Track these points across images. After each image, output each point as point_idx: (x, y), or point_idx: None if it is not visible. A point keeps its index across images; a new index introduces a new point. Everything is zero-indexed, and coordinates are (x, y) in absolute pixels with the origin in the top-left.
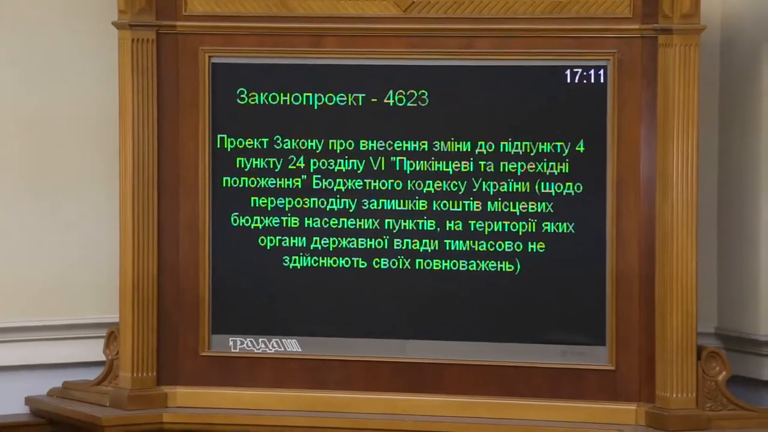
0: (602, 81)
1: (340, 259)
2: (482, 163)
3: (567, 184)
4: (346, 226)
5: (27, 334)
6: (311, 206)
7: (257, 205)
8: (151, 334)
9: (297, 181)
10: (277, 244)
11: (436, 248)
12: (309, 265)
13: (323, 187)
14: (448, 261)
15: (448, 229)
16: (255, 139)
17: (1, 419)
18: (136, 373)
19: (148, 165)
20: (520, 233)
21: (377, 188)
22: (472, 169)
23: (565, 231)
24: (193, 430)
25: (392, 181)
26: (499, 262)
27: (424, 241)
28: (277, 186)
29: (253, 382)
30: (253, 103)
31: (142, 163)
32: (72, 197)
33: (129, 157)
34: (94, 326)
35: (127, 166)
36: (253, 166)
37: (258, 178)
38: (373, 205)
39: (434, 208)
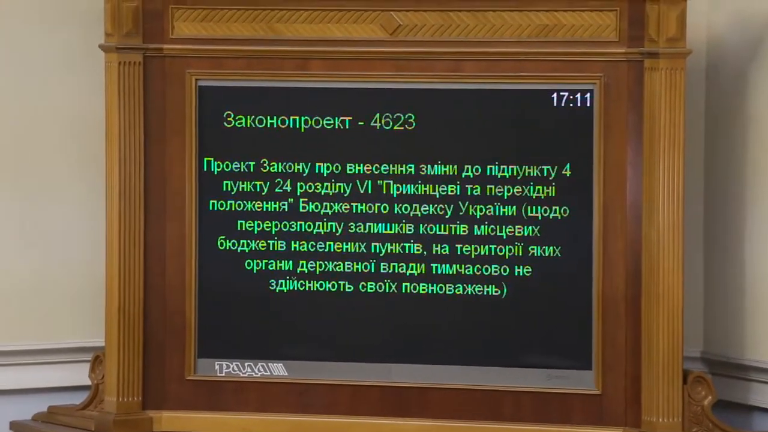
0: (588, 104)
1: (327, 282)
2: (469, 186)
3: (554, 207)
4: (332, 250)
5: (11, 359)
6: (298, 230)
7: (244, 229)
8: (137, 358)
9: (283, 205)
10: (264, 268)
11: (423, 272)
12: (295, 288)
13: (310, 210)
14: (435, 285)
15: (434, 252)
16: (242, 163)
17: None
18: (122, 398)
19: (134, 188)
20: (507, 257)
21: (364, 212)
22: (458, 193)
23: (551, 255)
24: None
25: (379, 204)
26: (485, 285)
27: (410, 264)
28: (264, 209)
29: (239, 406)
30: (239, 126)
31: (129, 186)
32: (55, 218)
33: (115, 180)
34: (80, 350)
35: (114, 189)
36: (240, 190)
37: (244, 202)
38: (359, 229)
39: (421, 232)
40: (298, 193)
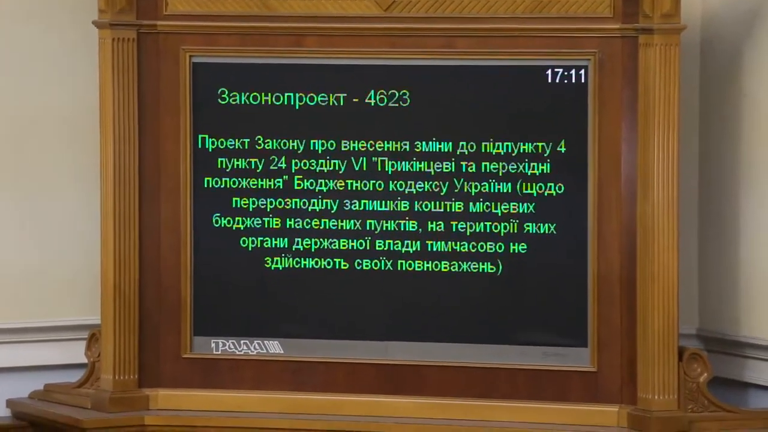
0: (583, 81)
1: (322, 260)
2: (464, 163)
3: (548, 184)
4: (327, 227)
5: (7, 337)
6: (293, 207)
7: (239, 206)
8: (133, 336)
9: (278, 182)
10: (259, 245)
11: (418, 249)
12: (291, 266)
13: (305, 187)
14: (430, 262)
15: (429, 229)
16: (236, 140)
17: None
18: (118, 376)
19: (129, 166)
20: (502, 234)
21: (359, 189)
22: (453, 170)
23: (546, 232)
24: None
25: (374, 181)
26: (481, 263)
27: (405, 242)
28: (259, 186)
29: (235, 384)
30: (234, 103)
31: (123, 164)
32: (50, 197)
33: (110, 157)
34: (76, 328)
35: (108, 166)
36: (235, 167)
37: (239, 179)
38: (354, 206)
39: (416, 209)
40: (293, 170)
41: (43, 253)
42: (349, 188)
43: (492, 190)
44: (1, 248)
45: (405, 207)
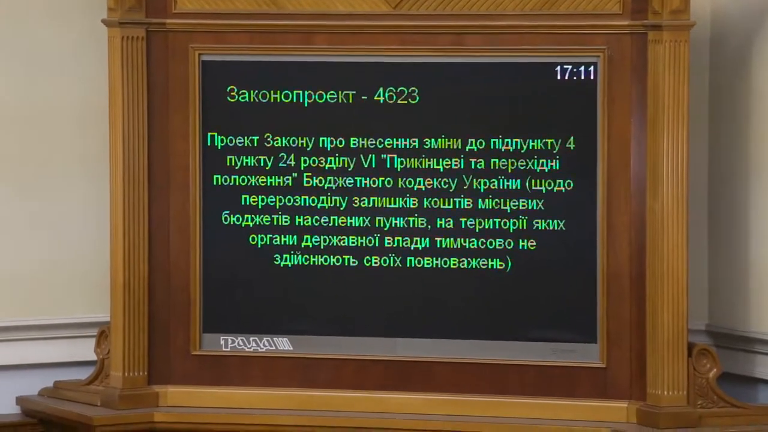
0: (592, 77)
1: (331, 257)
2: (473, 160)
3: (557, 181)
4: (336, 224)
5: (17, 334)
6: (302, 204)
7: (248, 203)
8: (142, 333)
9: (287, 179)
10: (268, 243)
11: (427, 246)
12: (300, 263)
13: (314, 185)
14: (439, 259)
15: (438, 226)
16: (245, 137)
17: None
18: (127, 373)
19: (138, 163)
20: (511, 231)
21: (368, 186)
22: (462, 167)
23: (555, 228)
24: (184, 430)
25: (383, 178)
26: (490, 259)
27: (414, 238)
28: (268, 184)
29: (244, 380)
30: (243, 100)
31: (133, 162)
32: (59, 194)
33: (119, 155)
34: (85, 325)
35: (118, 164)
36: (244, 164)
37: (248, 176)
38: (363, 203)
39: (425, 206)
40: (302, 168)
41: (52, 251)
42: (358, 185)
43: (501, 187)
44: (10, 246)
45: (414, 204)
